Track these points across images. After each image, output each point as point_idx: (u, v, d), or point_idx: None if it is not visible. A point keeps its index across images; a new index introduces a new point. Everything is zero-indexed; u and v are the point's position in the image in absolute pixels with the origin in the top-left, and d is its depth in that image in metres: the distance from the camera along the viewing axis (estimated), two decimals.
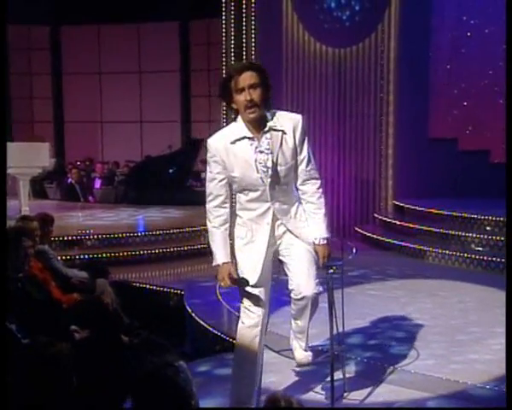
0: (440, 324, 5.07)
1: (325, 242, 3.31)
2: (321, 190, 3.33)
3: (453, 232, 7.80)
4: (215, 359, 4.49)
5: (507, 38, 4.53)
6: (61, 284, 5.48)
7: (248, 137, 3.21)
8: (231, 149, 3.20)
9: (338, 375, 3.81)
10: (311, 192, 3.32)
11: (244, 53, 8.28)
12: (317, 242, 3.30)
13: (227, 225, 3.30)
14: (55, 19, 14.71)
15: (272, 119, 3.22)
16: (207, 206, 3.32)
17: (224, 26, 8.44)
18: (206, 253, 7.95)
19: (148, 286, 6.61)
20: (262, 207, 3.27)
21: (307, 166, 3.29)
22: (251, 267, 3.28)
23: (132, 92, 15.27)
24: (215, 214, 3.29)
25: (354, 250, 3.71)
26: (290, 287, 3.32)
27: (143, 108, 15.29)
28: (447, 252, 7.40)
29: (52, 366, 2.27)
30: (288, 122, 3.24)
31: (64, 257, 6.58)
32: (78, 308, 4.76)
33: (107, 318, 5.05)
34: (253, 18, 8.17)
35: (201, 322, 5.36)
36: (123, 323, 5.61)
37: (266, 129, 3.21)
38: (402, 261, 7.49)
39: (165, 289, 6.48)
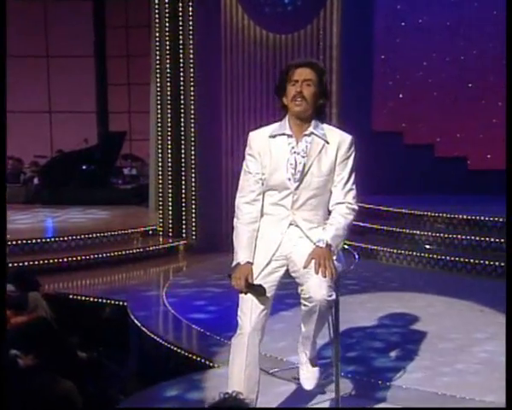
0: (416, 330, 5.01)
1: (325, 246, 3.07)
2: (351, 216, 3.19)
3: (404, 230, 7.83)
4: (183, 381, 4.20)
5: (507, 38, 4.54)
6: None
7: (288, 135, 3.17)
8: (269, 143, 3.18)
9: (329, 395, 3.66)
10: (337, 212, 3.18)
11: (181, 37, 7.94)
12: (317, 242, 3.10)
13: (256, 225, 3.20)
14: None
15: (319, 127, 3.19)
16: (237, 201, 3.24)
17: (156, 7, 8.06)
18: (142, 258, 7.78)
19: (85, 298, 6.19)
20: (281, 214, 3.19)
21: (343, 189, 3.19)
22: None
23: (39, 79, 14.47)
24: (244, 211, 3.21)
25: (356, 257, 3.52)
26: (299, 291, 3.11)
27: (53, 97, 14.53)
28: (401, 252, 7.40)
29: (63, 404, 1.99)
30: (334, 136, 3.20)
31: None
32: (24, 331, 4.34)
33: (58, 340, 4.67)
34: None
35: (154, 337, 5.05)
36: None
37: (308, 132, 3.17)
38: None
39: (106, 301, 6.08)
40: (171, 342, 4.88)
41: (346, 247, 3.37)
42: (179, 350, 4.75)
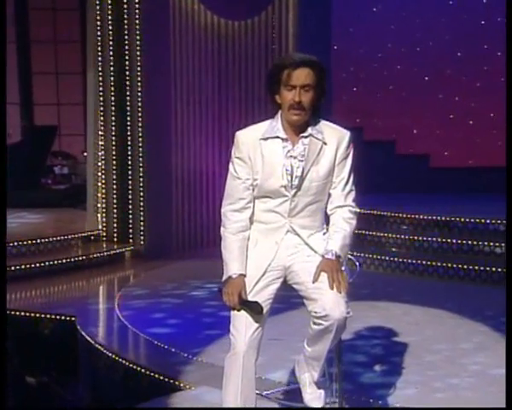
0: (398, 342, 5.00)
1: (334, 258, 3.04)
2: (355, 220, 3.15)
3: (369, 233, 7.83)
4: (155, 405, 4.04)
5: (507, 37, 4.60)
6: None
7: (282, 138, 3.07)
8: (260, 147, 3.07)
9: None
10: (340, 217, 3.11)
11: (126, 22, 7.71)
12: (325, 254, 3.05)
13: (246, 233, 3.11)
14: None
15: (316, 126, 3.09)
16: (223, 209, 3.14)
17: None
18: (84, 266, 7.51)
19: (25, 313, 5.89)
20: (276, 222, 3.10)
21: (343, 190, 3.13)
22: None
23: None
24: (232, 219, 3.11)
25: (357, 264, 3.46)
26: (311, 308, 3.03)
27: None
28: (368, 255, 7.40)
29: None
30: (332, 134, 3.11)
31: None
32: None
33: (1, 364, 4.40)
34: None
35: (111, 356, 4.85)
36: None
37: (306, 134, 3.07)
38: None
39: (50, 316, 5.81)
40: (133, 360, 4.70)
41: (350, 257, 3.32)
42: (142, 370, 4.57)
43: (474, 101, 10.59)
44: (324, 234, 3.18)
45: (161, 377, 4.41)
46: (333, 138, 3.10)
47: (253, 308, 3.01)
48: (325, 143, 3.09)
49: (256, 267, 3.08)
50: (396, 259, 7.26)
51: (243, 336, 3.01)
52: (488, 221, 7.26)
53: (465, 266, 6.82)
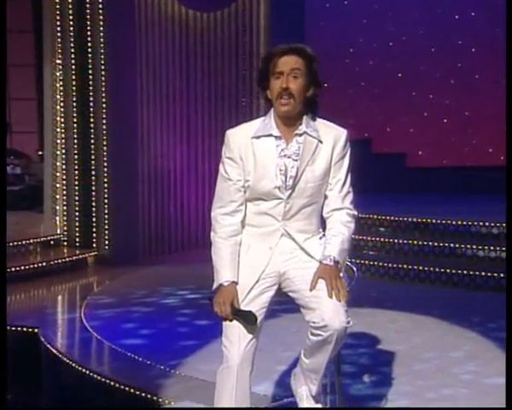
0: (385, 351, 4.99)
1: (332, 264, 3.01)
2: (353, 224, 3.14)
3: None
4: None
5: (507, 36, 4.64)
6: None
7: (275, 136, 3.03)
8: (252, 146, 3.04)
9: None
10: (338, 221, 3.09)
11: (88, 11, 7.58)
12: (323, 260, 3.02)
13: (238, 238, 3.07)
14: None
15: (310, 123, 3.06)
16: (213, 213, 3.10)
17: None
18: (44, 273, 7.36)
19: None
20: (270, 225, 3.07)
21: (340, 192, 3.10)
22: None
23: None
24: (223, 223, 3.06)
25: (355, 270, 3.42)
26: (309, 318, 3.00)
27: None
28: (348, 259, 7.38)
29: None
30: (328, 133, 3.09)
31: None
32: None
33: None
34: None
35: (82, 370, 4.72)
36: None
37: (300, 132, 3.03)
38: None
39: (9, 328, 5.63)
40: (105, 375, 4.57)
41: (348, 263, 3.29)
42: (116, 385, 4.45)
43: (449, 98, 10.70)
44: (321, 238, 3.15)
45: (137, 393, 4.30)
46: (329, 137, 3.08)
47: (247, 318, 2.96)
48: (321, 142, 3.06)
49: (249, 274, 3.03)
50: (375, 263, 7.27)
51: (237, 347, 2.95)
52: (470, 223, 7.31)
53: (447, 270, 6.86)
